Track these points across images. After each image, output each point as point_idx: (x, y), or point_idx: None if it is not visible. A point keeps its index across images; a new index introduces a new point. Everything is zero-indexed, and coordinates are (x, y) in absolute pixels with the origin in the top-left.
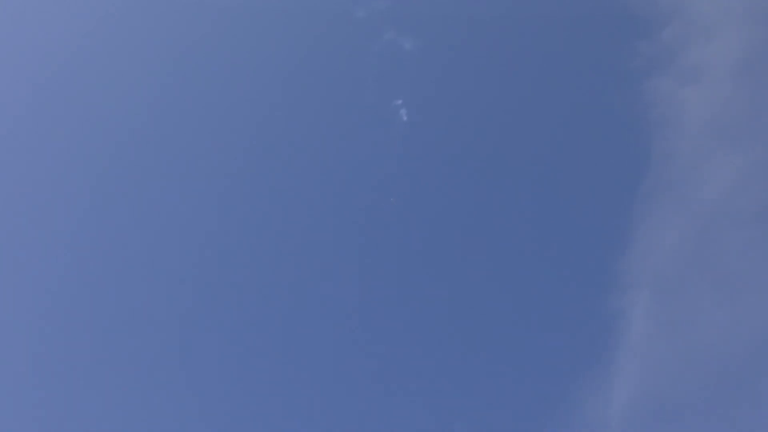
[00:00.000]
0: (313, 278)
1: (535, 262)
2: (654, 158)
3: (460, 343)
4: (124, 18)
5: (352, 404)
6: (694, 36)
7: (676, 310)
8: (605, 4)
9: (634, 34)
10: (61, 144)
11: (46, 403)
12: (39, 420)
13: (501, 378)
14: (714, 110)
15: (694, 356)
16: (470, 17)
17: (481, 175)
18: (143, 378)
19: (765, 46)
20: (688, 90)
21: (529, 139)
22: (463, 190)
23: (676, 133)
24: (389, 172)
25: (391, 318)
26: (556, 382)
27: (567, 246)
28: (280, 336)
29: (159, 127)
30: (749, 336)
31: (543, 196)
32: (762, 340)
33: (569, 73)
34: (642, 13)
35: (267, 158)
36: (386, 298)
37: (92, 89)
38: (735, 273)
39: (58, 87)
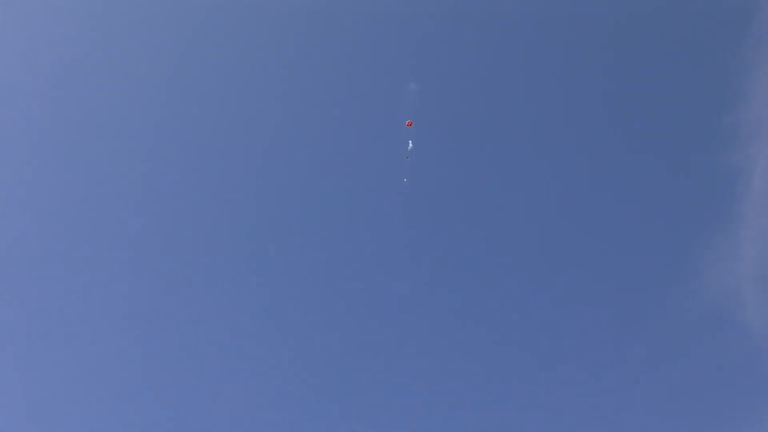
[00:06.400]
0: None
1: (650, 117)
2: None
3: (581, 206)
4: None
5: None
6: None
7: None
8: None
9: None
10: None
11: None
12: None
13: (624, 249)
14: None
15: None
16: None
17: (582, 24)
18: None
19: None
20: None
21: None
22: (557, 45)
23: None
24: None
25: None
26: (683, 244)
27: (680, 100)
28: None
29: None
30: None
31: (652, 43)
32: None
33: None
34: None
35: None
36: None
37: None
38: None
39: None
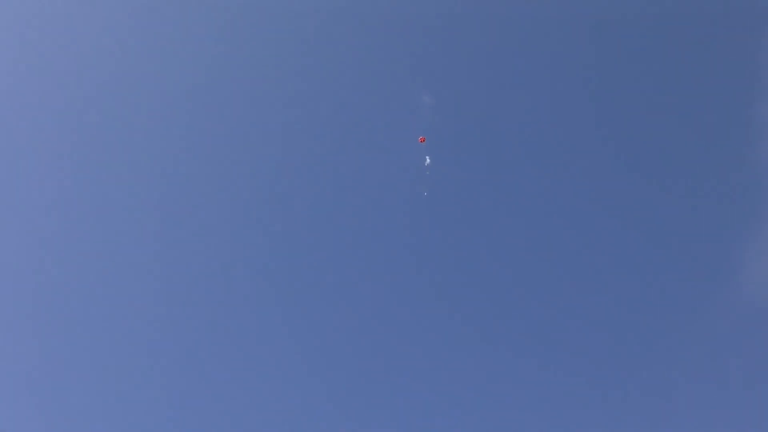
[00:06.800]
0: None
1: (682, 112)
2: None
3: (619, 204)
4: None
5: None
6: None
7: None
8: None
9: None
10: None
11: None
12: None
13: (664, 247)
14: None
15: None
16: None
17: (607, 23)
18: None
19: None
20: None
21: None
22: (580, 43)
23: None
24: None
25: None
26: (723, 240)
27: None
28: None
29: None
30: None
31: (682, 38)
32: None
33: None
34: None
35: None
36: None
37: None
38: None
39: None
